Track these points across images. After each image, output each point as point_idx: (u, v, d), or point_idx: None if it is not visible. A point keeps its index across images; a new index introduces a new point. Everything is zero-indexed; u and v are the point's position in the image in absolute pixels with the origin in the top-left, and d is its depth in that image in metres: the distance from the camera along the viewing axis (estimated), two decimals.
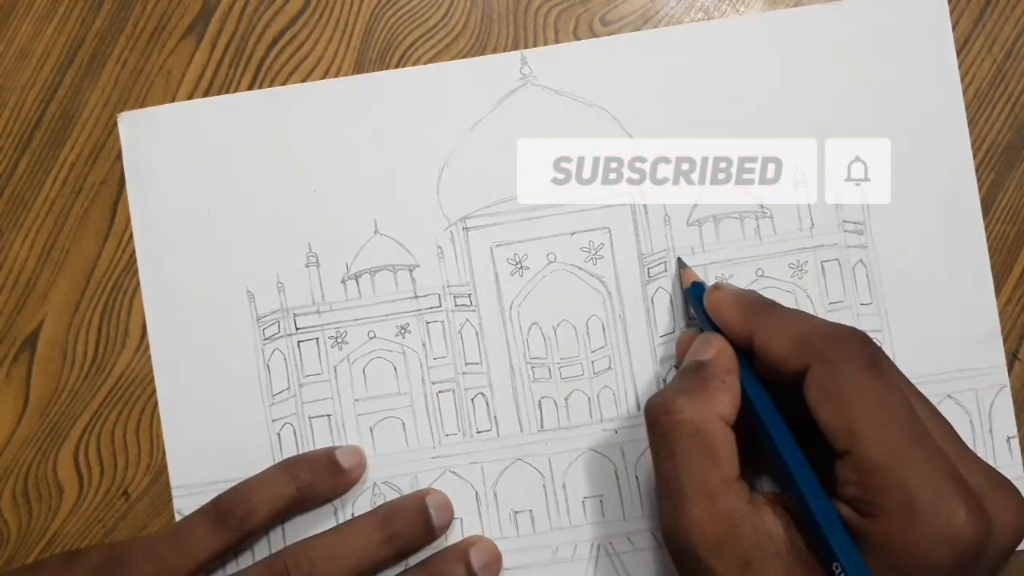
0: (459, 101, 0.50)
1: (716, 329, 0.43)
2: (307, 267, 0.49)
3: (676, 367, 0.49)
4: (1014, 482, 0.39)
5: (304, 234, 0.49)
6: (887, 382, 0.38)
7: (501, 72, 0.50)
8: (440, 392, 0.49)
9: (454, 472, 0.49)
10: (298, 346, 0.49)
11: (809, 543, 0.37)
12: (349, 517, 0.48)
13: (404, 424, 0.49)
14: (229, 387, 0.49)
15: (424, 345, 0.49)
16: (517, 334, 0.50)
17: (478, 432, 0.49)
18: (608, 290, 0.50)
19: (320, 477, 0.47)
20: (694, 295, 0.46)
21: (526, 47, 0.50)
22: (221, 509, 0.46)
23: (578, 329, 0.50)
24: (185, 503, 0.48)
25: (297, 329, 0.49)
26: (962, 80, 0.49)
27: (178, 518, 0.48)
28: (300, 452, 0.49)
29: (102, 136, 0.50)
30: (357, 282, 0.49)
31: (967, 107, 0.49)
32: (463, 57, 0.50)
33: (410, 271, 0.49)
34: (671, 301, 0.49)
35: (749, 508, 0.38)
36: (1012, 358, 0.48)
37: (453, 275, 0.50)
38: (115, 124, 0.50)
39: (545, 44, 0.50)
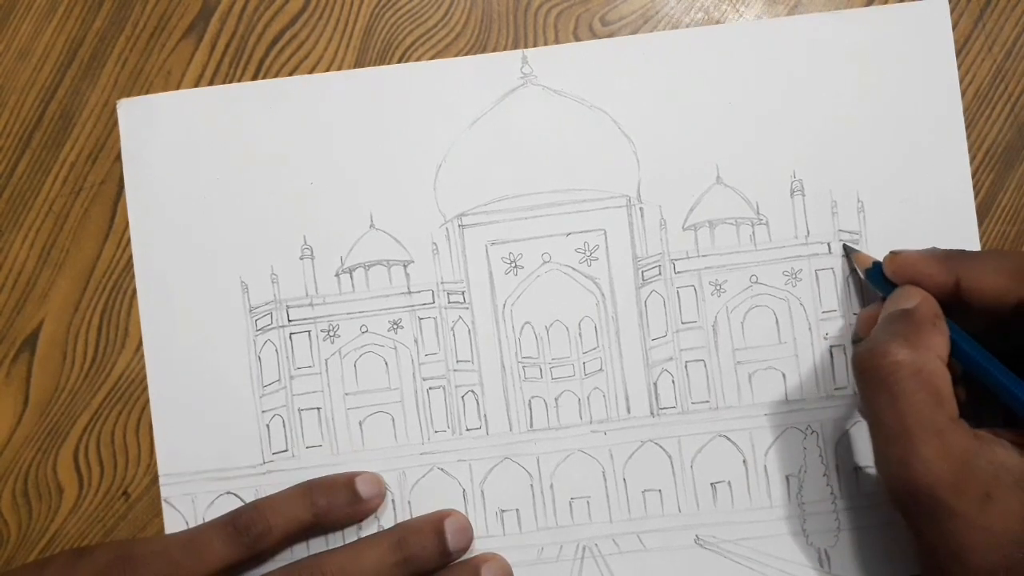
0: (459, 98, 0.50)
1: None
2: (301, 259, 0.49)
3: (670, 371, 0.49)
4: None
5: (299, 226, 0.49)
6: None
7: (502, 70, 0.50)
8: (431, 389, 0.49)
9: (442, 469, 0.49)
10: (290, 338, 0.49)
11: None
12: None
13: (394, 419, 0.49)
14: (220, 377, 0.49)
15: (416, 341, 0.49)
16: (509, 333, 0.50)
17: (467, 430, 0.49)
18: (602, 292, 0.50)
19: (337, 504, 0.47)
20: (874, 274, 0.46)
21: (526, 47, 0.50)
22: (238, 524, 0.46)
23: (570, 330, 0.50)
24: (172, 491, 0.49)
25: (289, 321, 0.49)
26: (962, 80, 0.49)
27: (165, 508, 0.48)
28: (291, 447, 0.49)
29: (102, 136, 0.50)
30: (351, 276, 0.49)
31: (967, 108, 0.49)
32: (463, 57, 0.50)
33: (404, 267, 0.49)
34: (664, 304, 0.49)
35: (979, 443, 0.38)
36: None
37: (447, 272, 0.50)
38: (115, 124, 0.50)
39: (545, 44, 0.50)
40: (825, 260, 0.49)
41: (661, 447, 0.49)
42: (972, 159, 0.49)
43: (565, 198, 0.50)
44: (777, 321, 0.49)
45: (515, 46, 0.50)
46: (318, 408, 0.49)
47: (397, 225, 0.50)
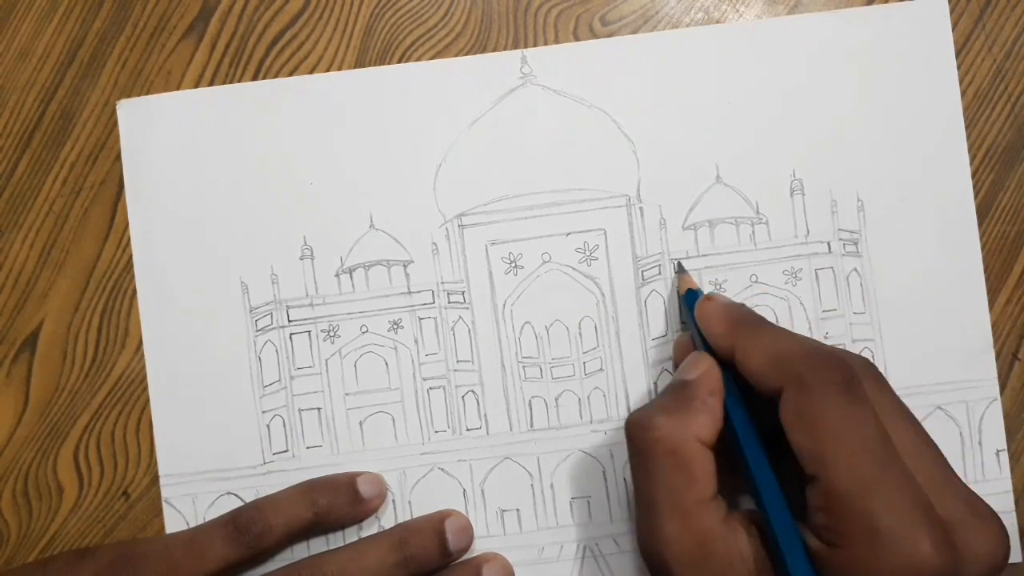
0: (458, 98, 0.50)
1: (704, 339, 0.43)
2: (301, 260, 0.49)
3: (670, 371, 0.49)
4: (1004, 495, 0.38)
5: (299, 227, 0.49)
6: (861, 408, 0.37)
7: (501, 70, 0.50)
8: (431, 389, 0.49)
9: (442, 469, 0.49)
10: (290, 338, 0.49)
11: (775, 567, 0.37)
12: None
13: (394, 419, 0.49)
14: (220, 377, 0.49)
15: (416, 341, 0.49)
16: (509, 333, 0.50)
17: (468, 430, 0.49)
18: (602, 291, 0.50)
19: (338, 503, 0.47)
20: (687, 303, 0.46)
21: (526, 47, 0.50)
22: (239, 523, 0.46)
23: (571, 330, 0.50)
24: (173, 491, 0.49)
25: (290, 321, 0.49)
26: (962, 80, 0.49)
27: (166, 508, 0.49)
28: (291, 447, 0.49)
29: (102, 136, 0.50)
30: (351, 276, 0.49)
31: (967, 108, 0.49)
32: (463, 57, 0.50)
33: (404, 267, 0.49)
34: (665, 304, 0.49)
35: (723, 528, 0.38)
36: (1012, 358, 0.49)
37: (447, 272, 0.50)
38: (115, 124, 0.50)
39: (545, 44, 0.50)
40: (825, 259, 0.49)
41: None
42: (972, 159, 0.49)
43: (565, 198, 0.50)
44: (777, 320, 0.49)
45: (515, 46, 0.50)
46: (318, 408, 0.49)
47: (397, 225, 0.50)
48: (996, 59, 0.49)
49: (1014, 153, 0.49)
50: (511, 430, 0.49)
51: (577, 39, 0.50)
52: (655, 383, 0.49)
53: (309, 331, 0.49)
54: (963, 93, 0.49)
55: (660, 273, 0.50)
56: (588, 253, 0.50)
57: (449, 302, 0.50)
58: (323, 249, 0.49)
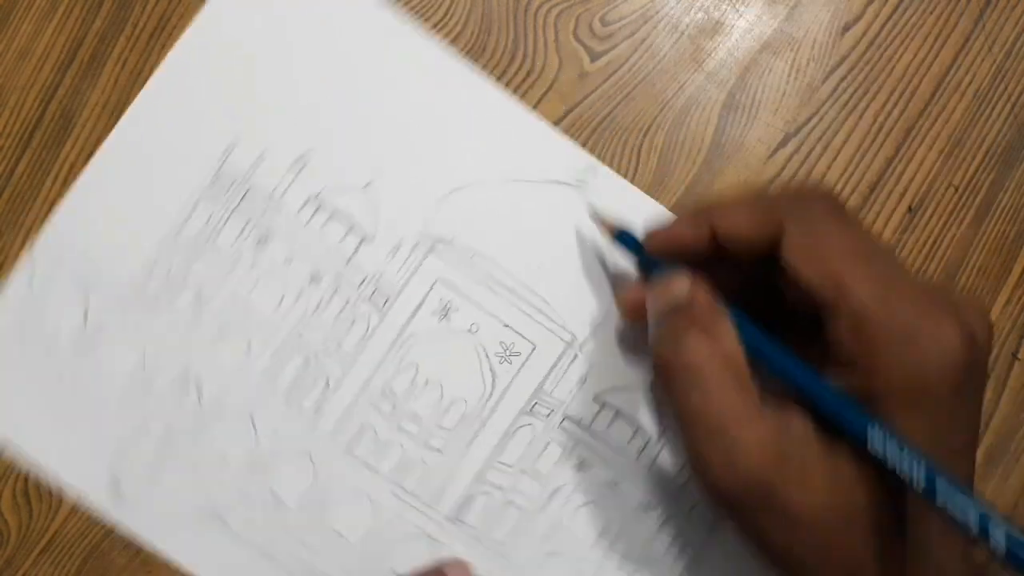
0: (533, 159, 0.50)
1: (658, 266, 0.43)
2: (292, 163, 0.49)
3: (492, 495, 0.48)
4: None
5: (316, 137, 0.49)
6: (858, 226, 0.38)
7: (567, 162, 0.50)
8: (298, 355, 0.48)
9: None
10: (226, 221, 0.48)
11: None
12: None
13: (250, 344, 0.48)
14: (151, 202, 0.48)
15: (318, 305, 0.48)
16: (396, 359, 0.48)
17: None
18: (491, 392, 0.48)
19: None
20: (624, 241, 0.45)
21: (526, 47, 0.50)
22: None
23: (444, 400, 0.48)
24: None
25: (239, 204, 0.48)
26: (962, 80, 0.50)
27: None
28: None
29: (102, 136, 0.51)
30: (316, 213, 0.48)
31: (967, 107, 0.50)
32: (463, 57, 0.50)
33: (360, 240, 0.48)
34: (529, 444, 0.49)
35: (783, 416, 0.38)
36: (1012, 358, 0.49)
37: (390, 272, 0.49)
38: (115, 124, 0.50)
39: (545, 44, 0.50)
40: None
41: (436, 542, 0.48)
42: (972, 159, 0.50)
43: (524, 296, 0.49)
44: None
45: (515, 46, 0.50)
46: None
47: (386, 204, 0.49)
48: (996, 59, 0.50)
49: (1014, 153, 0.50)
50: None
51: (577, 39, 0.50)
52: (472, 496, 0.48)
53: (244, 225, 0.48)
54: (963, 93, 0.50)
55: (547, 418, 0.48)
56: (508, 352, 0.49)
57: (371, 297, 0.48)
58: (317, 170, 0.49)
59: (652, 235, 0.43)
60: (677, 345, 0.38)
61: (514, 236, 0.49)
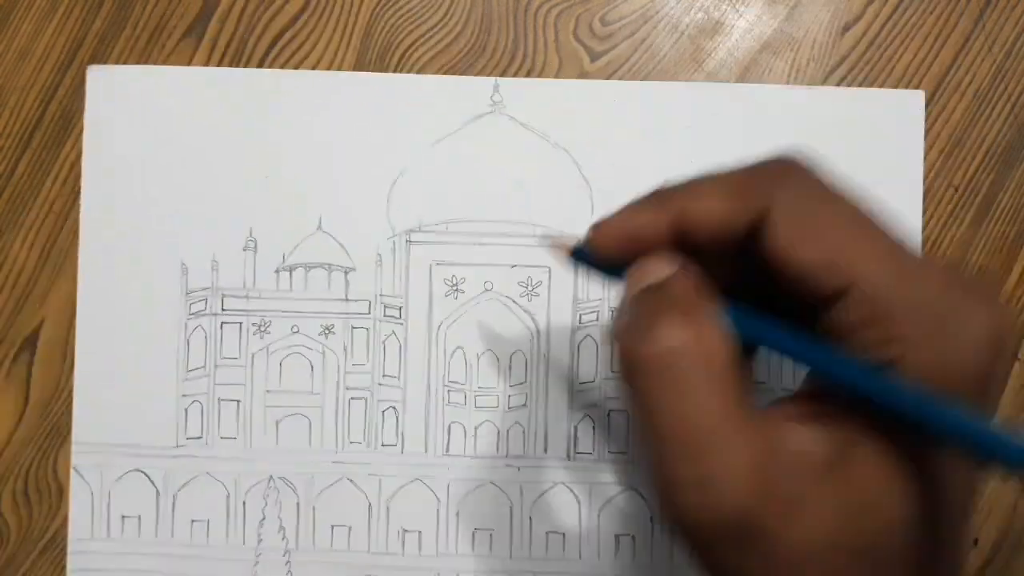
0: (427, 116, 0.50)
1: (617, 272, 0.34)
2: (244, 251, 0.50)
3: (592, 417, 0.48)
4: None
5: (248, 218, 0.50)
6: (847, 196, 0.31)
7: (473, 95, 0.50)
8: (352, 399, 0.49)
9: (351, 480, 0.49)
10: (221, 327, 0.50)
11: None
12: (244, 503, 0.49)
13: (311, 423, 0.49)
14: (147, 354, 0.49)
15: (345, 349, 0.49)
16: (440, 355, 0.49)
17: (383, 445, 0.49)
18: (537, 328, 0.49)
19: None
20: (581, 257, 0.36)
21: (526, 47, 0.50)
22: None
23: (501, 361, 0.49)
24: (83, 460, 0.49)
25: (223, 310, 0.50)
26: (962, 80, 0.49)
27: (73, 475, 0.49)
28: (206, 434, 0.49)
29: None
30: (291, 274, 0.50)
31: (967, 108, 0.49)
32: (463, 57, 0.50)
33: (345, 273, 0.49)
34: (598, 351, 0.48)
35: (776, 431, 0.30)
36: (1012, 358, 0.49)
37: (388, 285, 0.49)
38: None
39: (545, 44, 0.50)
40: None
41: (572, 491, 0.48)
42: (972, 159, 0.49)
43: (515, 230, 0.49)
44: None
45: (515, 46, 0.50)
46: (238, 401, 0.49)
47: (345, 231, 0.50)
48: (996, 59, 0.50)
49: (1014, 153, 0.49)
50: (426, 452, 0.49)
51: (577, 39, 0.50)
52: (576, 427, 0.48)
53: (241, 323, 0.50)
54: (963, 93, 0.49)
55: (597, 319, 0.48)
56: (530, 288, 0.49)
57: (385, 315, 0.49)
58: (267, 244, 0.50)
59: (600, 227, 0.34)
60: (648, 332, 0.30)
61: (469, 186, 0.49)
